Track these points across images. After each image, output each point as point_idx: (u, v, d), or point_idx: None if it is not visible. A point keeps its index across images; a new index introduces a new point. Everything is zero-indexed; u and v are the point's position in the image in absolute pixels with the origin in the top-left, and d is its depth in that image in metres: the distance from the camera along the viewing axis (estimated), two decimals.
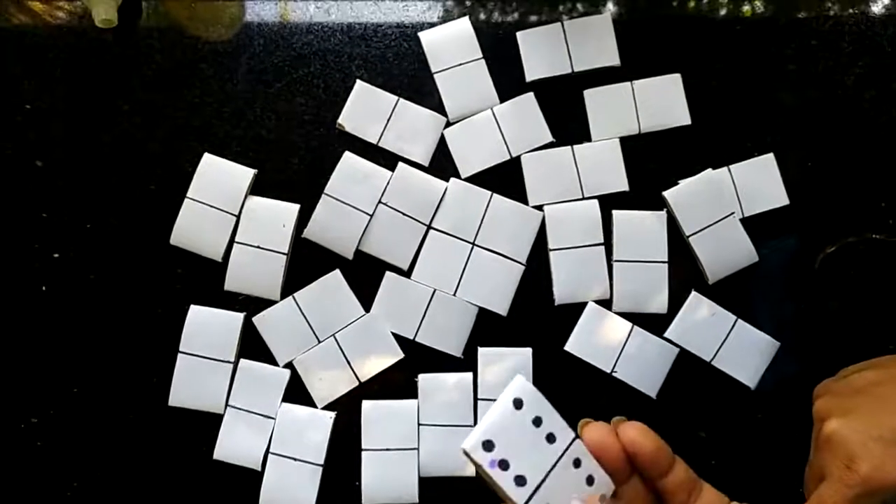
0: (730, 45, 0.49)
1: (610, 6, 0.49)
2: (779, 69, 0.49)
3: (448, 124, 0.48)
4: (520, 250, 0.47)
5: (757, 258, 0.47)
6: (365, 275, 0.48)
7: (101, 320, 0.48)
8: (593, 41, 0.48)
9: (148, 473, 0.48)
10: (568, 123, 0.48)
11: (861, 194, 0.48)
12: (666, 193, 0.47)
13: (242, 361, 0.47)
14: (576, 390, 0.47)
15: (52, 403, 0.48)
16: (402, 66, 0.49)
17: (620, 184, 0.48)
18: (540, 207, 0.48)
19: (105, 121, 0.49)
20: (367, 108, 0.48)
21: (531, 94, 0.48)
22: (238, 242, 0.47)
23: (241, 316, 0.47)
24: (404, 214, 0.47)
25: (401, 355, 0.47)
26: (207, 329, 0.46)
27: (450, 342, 0.47)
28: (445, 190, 0.48)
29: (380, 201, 0.47)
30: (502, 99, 0.48)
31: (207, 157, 0.47)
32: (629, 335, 0.47)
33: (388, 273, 0.47)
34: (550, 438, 0.28)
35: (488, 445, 0.27)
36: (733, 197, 0.47)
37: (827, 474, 0.36)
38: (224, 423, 0.47)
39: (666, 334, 0.47)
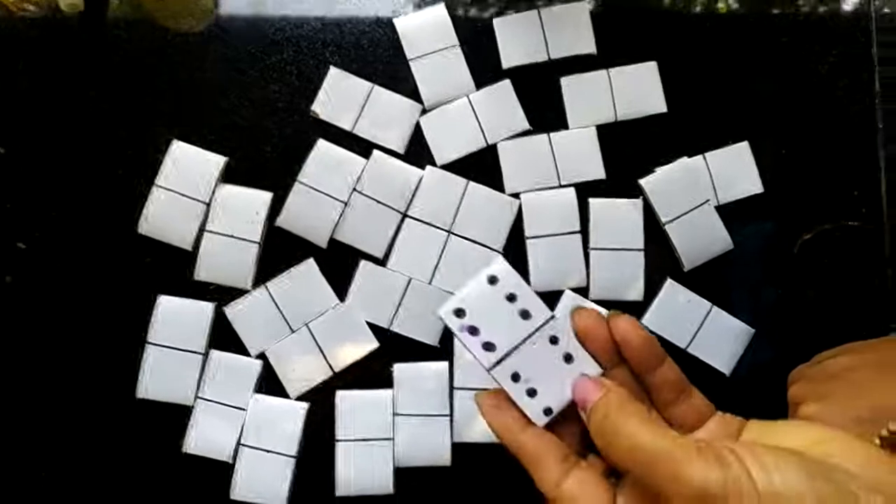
0: (705, 34, 0.49)
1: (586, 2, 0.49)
2: (753, 58, 0.49)
3: (424, 112, 0.48)
4: (496, 238, 0.47)
5: (732, 245, 0.47)
6: (339, 264, 0.47)
7: (67, 311, 0.47)
8: (570, 28, 0.48)
9: (116, 467, 0.47)
10: (545, 111, 0.48)
11: (834, 182, 0.49)
12: (642, 181, 0.47)
13: (213, 352, 0.46)
14: None
15: (17, 395, 0.47)
16: (376, 52, 0.48)
17: (597, 171, 0.48)
18: (517, 195, 0.47)
19: (71, 107, 0.48)
20: (340, 95, 0.48)
21: (507, 82, 0.48)
22: (209, 231, 0.46)
23: (211, 306, 0.46)
24: (379, 202, 0.47)
25: (376, 344, 0.46)
26: (177, 319, 0.45)
27: (426, 331, 0.46)
28: (421, 178, 0.47)
29: (354, 189, 0.47)
30: (478, 86, 0.48)
31: (177, 144, 0.46)
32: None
33: (362, 262, 0.47)
34: (525, 315, 0.31)
35: (459, 313, 0.31)
36: (708, 185, 0.47)
37: None
38: (194, 416, 0.46)
39: (642, 321, 0.46)
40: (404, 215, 0.47)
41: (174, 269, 0.46)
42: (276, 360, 0.46)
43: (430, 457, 0.46)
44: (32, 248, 0.47)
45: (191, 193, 0.46)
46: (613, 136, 0.48)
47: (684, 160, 0.47)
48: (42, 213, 0.47)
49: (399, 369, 0.46)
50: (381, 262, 0.47)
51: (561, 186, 0.47)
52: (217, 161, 0.46)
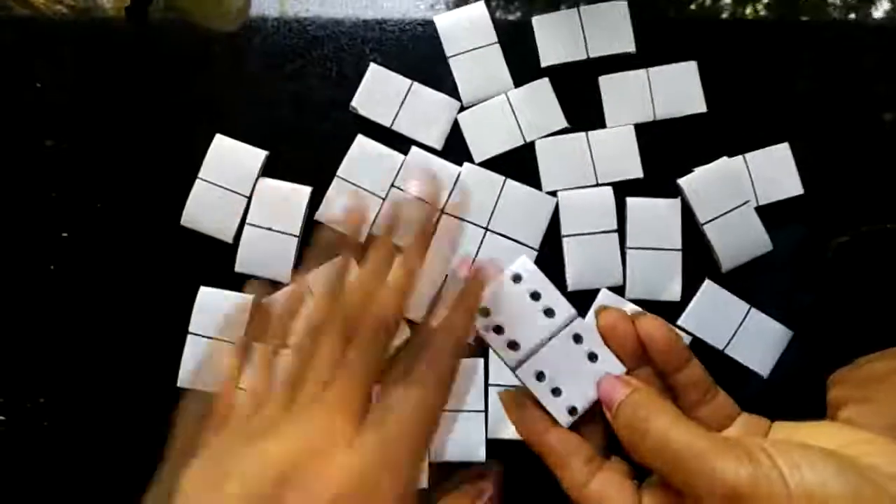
0: (744, 35, 0.49)
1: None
2: (792, 60, 0.49)
3: (462, 109, 0.48)
4: (533, 235, 0.47)
5: (771, 247, 0.47)
6: None
7: (110, 301, 0.48)
8: (609, 27, 0.48)
9: (156, 454, 0.47)
10: (583, 109, 0.48)
11: (874, 186, 0.48)
12: (681, 181, 0.47)
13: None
14: None
15: (60, 384, 0.48)
16: (416, 49, 0.49)
17: (635, 170, 0.48)
18: (554, 193, 0.47)
19: (116, 102, 0.48)
20: (380, 92, 0.48)
21: (546, 80, 0.48)
22: (249, 224, 0.47)
23: (250, 297, 0.46)
24: (417, 198, 0.47)
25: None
26: (217, 311, 0.46)
27: None
28: (458, 174, 0.47)
29: (392, 184, 0.47)
30: (517, 85, 0.48)
31: (219, 139, 0.47)
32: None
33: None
34: (549, 313, 0.31)
35: (484, 311, 0.30)
36: (748, 185, 0.47)
37: None
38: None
39: (679, 322, 0.46)
40: (441, 212, 0.47)
41: (215, 261, 0.47)
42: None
43: (465, 452, 0.46)
44: (76, 237, 0.48)
45: (232, 187, 0.47)
46: (652, 136, 0.48)
47: (724, 160, 0.47)
48: (86, 204, 0.48)
49: None
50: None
51: (599, 185, 0.47)
52: (258, 154, 0.47)
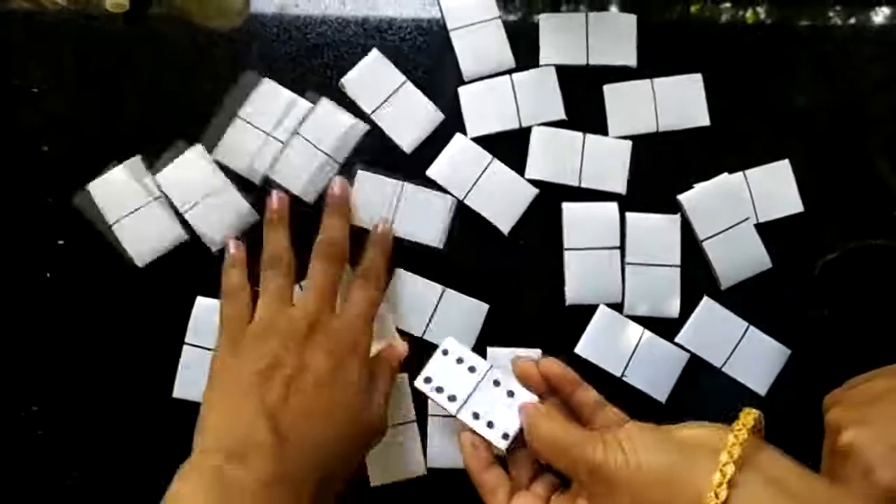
0: (745, 45, 0.49)
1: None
2: (793, 75, 0.49)
3: (463, 83, 0.48)
4: (505, 220, 0.47)
5: (770, 265, 0.47)
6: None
7: (105, 309, 0.47)
8: (614, 37, 0.48)
9: (150, 465, 0.47)
10: (583, 112, 0.48)
11: (872, 203, 0.48)
12: (681, 197, 0.47)
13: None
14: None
15: (54, 392, 0.47)
16: (416, 60, 0.48)
17: (619, 186, 0.47)
18: (535, 182, 0.47)
19: (114, 105, 0.48)
20: (373, 78, 0.48)
21: (552, 69, 0.48)
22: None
23: None
24: (317, 148, 0.47)
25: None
26: (214, 321, 0.45)
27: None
28: (363, 132, 0.48)
29: (296, 132, 0.47)
30: (518, 65, 0.48)
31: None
32: (640, 340, 0.46)
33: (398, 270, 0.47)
34: (472, 370, 0.43)
35: (428, 380, 0.43)
36: (748, 202, 0.47)
37: (845, 485, 0.36)
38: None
39: (677, 339, 0.46)
40: (342, 165, 0.47)
41: (213, 272, 0.46)
42: None
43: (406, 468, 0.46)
44: (71, 244, 0.47)
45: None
46: (654, 148, 0.48)
47: (724, 177, 0.47)
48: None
49: None
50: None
51: (580, 188, 0.47)
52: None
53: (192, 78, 0.48)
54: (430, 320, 0.47)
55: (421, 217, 0.47)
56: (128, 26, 0.49)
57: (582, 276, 0.47)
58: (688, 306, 0.47)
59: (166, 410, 0.46)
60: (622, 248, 0.47)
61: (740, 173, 0.47)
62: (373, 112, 0.48)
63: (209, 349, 0.45)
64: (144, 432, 0.47)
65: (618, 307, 0.47)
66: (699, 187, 0.47)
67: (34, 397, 0.47)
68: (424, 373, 0.43)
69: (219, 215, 0.47)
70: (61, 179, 0.47)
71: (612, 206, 0.47)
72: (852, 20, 0.50)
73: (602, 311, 0.46)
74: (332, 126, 0.47)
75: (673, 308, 0.46)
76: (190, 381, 0.46)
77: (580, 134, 0.48)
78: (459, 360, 0.43)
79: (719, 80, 0.48)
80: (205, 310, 0.46)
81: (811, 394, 0.43)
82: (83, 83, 0.48)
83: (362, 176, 0.47)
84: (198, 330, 0.46)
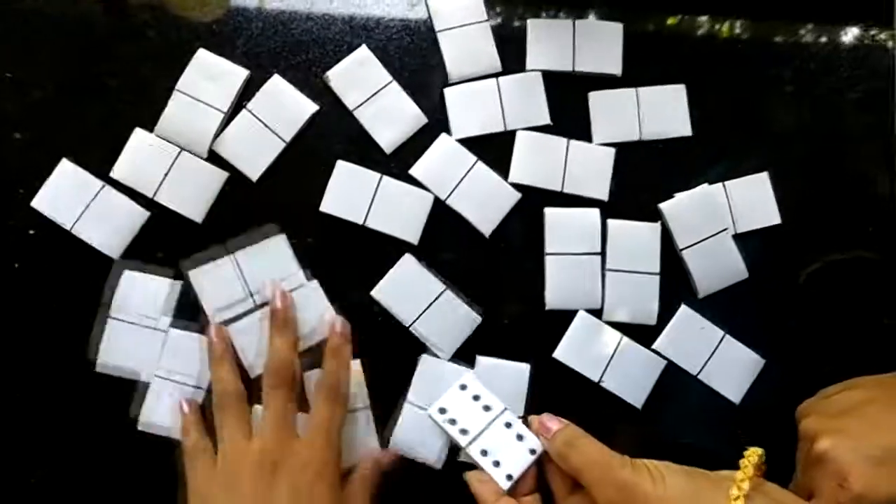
0: (728, 64, 0.50)
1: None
2: (774, 89, 0.50)
3: (447, 85, 0.48)
4: (486, 222, 0.47)
5: (747, 274, 0.48)
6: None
7: (75, 300, 0.46)
8: (600, 46, 0.48)
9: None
10: (568, 118, 0.48)
11: (850, 216, 0.49)
12: (662, 206, 0.47)
13: (171, 331, 0.45)
14: (563, 396, 0.46)
15: (19, 389, 0.46)
16: (402, 60, 0.48)
17: (601, 192, 0.48)
18: (518, 186, 0.47)
19: (91, 95, 0.47)
20: (359, 75, 0.48)
21: (538, 74, 0.48)
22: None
23: (178, 283, 0.46)
24: (265, 125, 0.47)
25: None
26: (139, 295, 0.45)
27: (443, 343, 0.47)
28: (314, 113, 0.47)
29: (242, 104, 0.47)
30: (505, 70, 0.49)
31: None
32: (618, 346, 0.47)
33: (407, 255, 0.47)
34: (486, 409, 0.44)
35: (442, 411, 0.45)
36: (727, 213, 0.48)
37: (818, 492, 0.37)
38: (150, 392, 0.45)
39: (654, 346, 0.47)
40: (288, 143, 0.47)
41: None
42: (235, 334, 0.45)
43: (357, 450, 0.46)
44: (43, 235, 0.46)
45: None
46: (635, 156, 0.48)
47: (704, 187, 0.47)
48: None
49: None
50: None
51: (563, 193, 0.48)
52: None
53: (173, 69, 0.47)
54: (420, 315, 0.46)
55: (398, 212, 0.47)
56: (107, 15, 0.48)
57: (562, 281, 0.47)
58: (665, 313, 0.47)
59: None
60: (603, 253, 0.47)
61: (720, 184, 0.48)
62: (355, 109, 0.47)
63: (131, 322, 0.45)
64: (112, 431, 0.46)
65: (597, 313, 0.47)
66: (679, 196, 0.47)
67: None
68: (440, 403, 0.45)
69: (188, 188, 0.46)
70: (33, 169, 0.46)
71: (594, 212, 0.47)
72: (823, 38, 0.51)
73: (581, 316, 0.47)
74: (281, 103, 0.47)
75: (651, 315, 0.47)
76: (113, 355, 0.45)
77: (564, 140, 0.48)
78: (476, 398, 0.44)
79: (699, 91, 0.49)
80: (130, 284, 0.45)
81: (784, 403, 0.44)
82: (60, 72, 0.47)
83: (341, 166, 0.47)
84: (123, 304, 0.45)
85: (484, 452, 0.42)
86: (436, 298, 0.46)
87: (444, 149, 0.47)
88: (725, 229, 0.47)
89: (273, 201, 0.47)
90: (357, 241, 0.47)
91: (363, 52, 0.48)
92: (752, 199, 0.48)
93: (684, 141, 0.48)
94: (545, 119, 0.48)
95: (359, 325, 0.46)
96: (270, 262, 0.46)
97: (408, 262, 0.46)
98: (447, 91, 0.48)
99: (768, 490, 0.36)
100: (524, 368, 0.46)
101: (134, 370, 0.45)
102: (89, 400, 0.46)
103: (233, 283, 0.46)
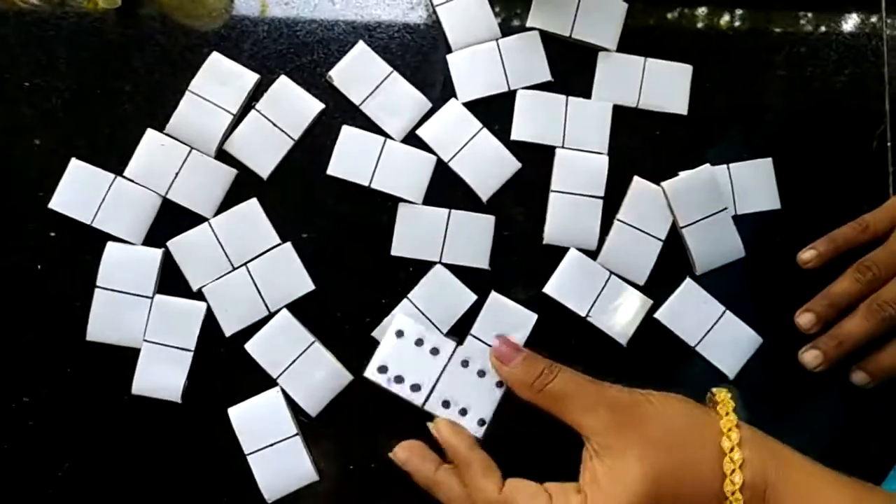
0: (728, 47, 0.52)
1: None
2: (770, 75, 0.52)
3: (449, 50, 0.50)
4: (484, 188, 0.48)
5: (744, 253, 0.49)
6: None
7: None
8: (601, 18, 0.50)
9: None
10: (570, 74, 0.50)
11: (845, 199, 0.50)
12: (664, 184, 0.48)
13: (158, 297, 0.47)
14: (550, 331, 0.47)
15: (45, 383, 0.47)
16: (405, 58, 0.50)
17: (601, 146, 0.49)
18: (520, 146, 0.49)
19: (106, 101, 0.49)
20: (360, 70, 0.49)
21: (536, 33, 0.50)
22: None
23: (159, 252, 0.47)
24: (274, 124, 0.48)
25: (312, 287, 0.47)
26: (125, 265, 0.46)
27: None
28: (319, 112, 0.49)
29: (253, 107, 0.48)
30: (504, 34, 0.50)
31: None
32: (606, 283, 0.48)
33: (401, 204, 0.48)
34: (434, 351, 0.38)
35: (383, 369, 0.37)
36: (729, 194, 0.49)
37: None
38: (141, 358, 0.46)
39: (656, 315, 0.48)
40: (296, 141, 0.48)
41: None
42: (213, 297, 0.47)
43: (296, 479, 0.46)
44: (62, 237, 0.48)
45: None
46: (628, 123, 0.50)
47: (707, 167, 0.48)
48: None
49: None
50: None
51: (563, 147, 0.49)
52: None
53: (183, 75, 0.49)
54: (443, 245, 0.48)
55: (402, 173, 0.48)
56: (120, 24, 0.49)
57: (562, 219, 0.48)
58: (668, 286, 0.48)
59: (160, 405, 0.47)
60: (616, 203, 0.49)
61: (724, 166, 0.49)
62: (361, 103, 0.49)
63: (119, 291, 0.46)
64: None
65: (591, 255, 0.48)
66: (683, 175, 0.48)
67: (25, 389, 0.47)
68: (376, 360, 0.38)
69: (198, 185, 0.48)
70: (52, 173, 0.47)
71: (603, 159, 0.49)
72: (817, 24, 0.52)
73: (573, 253, 0.47)
74: (289, 103, 0.49)
75: (642, 275, 0.48)
76: (102, 324, 0.46)
77: (563, 97, 0.49)
78: (419, 342, 0.38)
79: (704, 75, 0.50)
80: (115, 254, 0.46)
81: (776, 382, 0.46)
82: (76, 79, 0.49)
83: (346, 130, 0.48)
84: (109, 274, 0.46)
85: (446, 404, 0.37)
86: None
87: (451, 113, 0.49)
88: (725, 209, 0.48)
89: (283, 198, 0.48)
90: (366, 241, 0.48)
91: (361, 47, 0.49)
92: (755, 183, 0.49)
93: (677, 119, 0.50)
94: (546, 76, 0.50)
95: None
96: (246, 225, 0.47)
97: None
98: (450, 57, 0.49)
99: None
100: (530, 317, 0.47)
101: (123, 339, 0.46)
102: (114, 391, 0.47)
103: (211, 249, 0.47)
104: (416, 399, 0.37)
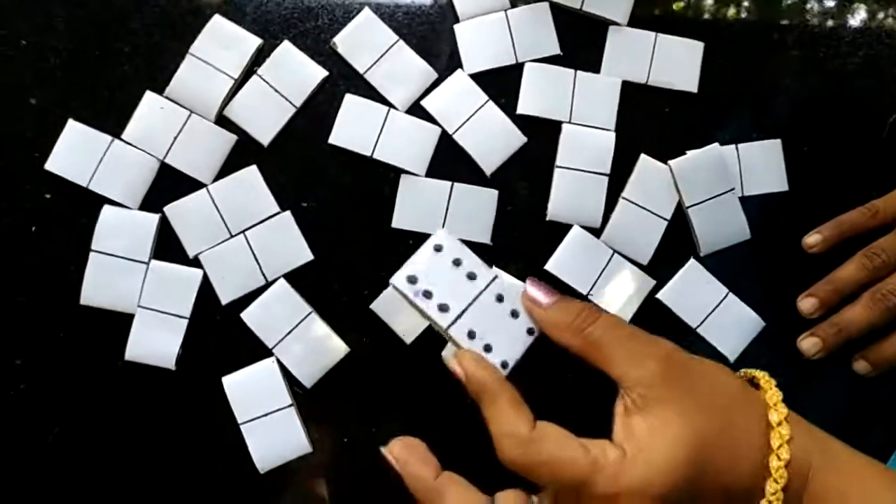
0: (734, 25, 0.51)
1: None
2: (780, 57, 0.51)
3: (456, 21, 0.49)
4: (489, 162, 0.48)
5: (749, 235, 0.48)
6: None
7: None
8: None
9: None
10: (579, 47, 0.49)
11: (853, 183, 0.50)
12: (672, 163, 0.48)
13: (153, 262, 0.46)
14: None
15: (36, 347, 0.47)
16: (411, 26, 0.49)
17: (608, 122, 0.48)
18: (526, 120, 0.48)
19: (105, 62, 0.48)
20: (365, 37, 0.48)
21: (546, 4, 0.49)
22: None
23: (155, 217, 0.46)
24: (276, 90, 0.47)
25: (311, 257, 0.47)
26: (121, 229, 0.46)
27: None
28: (323, 79, 0.48)
29: (253, 72, 0.48)
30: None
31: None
32: (609, 261, 0.47)
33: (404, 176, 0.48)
34: (471, 276, 0.34)
35: (412, 279, 0.34)
36: (736, 175, 0.48)
37: None
38: (135, 324, 0.46)
39: (658, 295, 0.47)
40: (298, 108, 0.47)
41: None
42: (210, 264, 0.46)
43: (289, 450, 0.46)
44: (58, 199, 0.47)
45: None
46: (635, 99, 0.49)
47: (715, 147, 0.48)
48: None
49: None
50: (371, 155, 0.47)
51: (570, 123, 0.48)
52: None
53: (186, 36, 0.48)
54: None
55: (405, 144, 0.47)
56: None
57: (566, 195, 0.47)
58: (671, 266, 0.47)
59: (154, 371, 0.46)
60: (622, 181, 0.48)
61: (732, 146, 0.49)
62: (366, 72, 0.48)
63: (114, 256, 0.46)
64: (129, 391, 0.47)
65: (595, 232, 0.48)
66: (690, 154, 0.48)
67: (17, 351, 0.47)
68: (407, 269, 0.34)
69: (197, 150, 0.47)
70: (48, 133, 0.47)
71: (610, 135, 0.48)
72: (830, 22, 0.51)
73: (575, 230, 0.47)
74: (291, 69, 0.48)
75: (646, 255, 0.48)
76: (97, 288, 0.46)
77: (572, 71, 0.48)
78: (457, 262, 0.34)
79: (710, 53, 0.49)
80: (111, 218, 0.46)
81: (779, 365, 0.44)
82: (74, 38, 0.48)
83: (350, 99, 0.47)
84: (104, 238, 0.46)
85: (471, 335, 0.33)
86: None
87: (457, 84, 0.48)
88: (732, 189, 0.48)
89: (283, 166, 0.48)
90: (367, 212, 0.48)
91: (366, 14, 0.48)
92: (763, 165, 0.49)
93: (687, 97, 0.49)
94: (555, 49, 0.49)
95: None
96: (245, 192, 0.47)
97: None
98: (457, 27, 0.48)
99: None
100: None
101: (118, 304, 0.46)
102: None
103: (209, 215, 0.46)
104: (442, 320, 0.33)
